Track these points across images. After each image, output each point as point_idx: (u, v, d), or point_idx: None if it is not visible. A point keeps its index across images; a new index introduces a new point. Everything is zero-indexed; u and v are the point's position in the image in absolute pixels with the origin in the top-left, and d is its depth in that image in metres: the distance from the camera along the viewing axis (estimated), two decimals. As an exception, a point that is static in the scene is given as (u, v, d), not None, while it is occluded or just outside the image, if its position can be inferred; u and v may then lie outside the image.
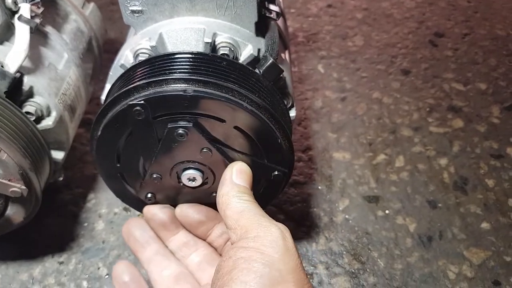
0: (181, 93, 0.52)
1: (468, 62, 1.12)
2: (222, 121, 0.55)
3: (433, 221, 0.81)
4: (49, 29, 0.76)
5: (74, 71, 0.78)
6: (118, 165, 0.60)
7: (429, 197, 0.85)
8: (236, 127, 0.56)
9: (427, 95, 1.04)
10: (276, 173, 0.61)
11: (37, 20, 0.70)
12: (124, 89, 0.54)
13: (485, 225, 0.80)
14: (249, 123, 0.56)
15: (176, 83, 0.53)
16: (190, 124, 0.54)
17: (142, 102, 0.52)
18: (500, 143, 0.94)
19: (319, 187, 0.87)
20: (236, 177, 0.56)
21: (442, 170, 0.89)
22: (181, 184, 0.62)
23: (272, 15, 0.68)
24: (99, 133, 0.56)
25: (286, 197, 0.85)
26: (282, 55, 0.71)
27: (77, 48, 0.82)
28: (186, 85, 0.53)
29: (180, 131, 0.54)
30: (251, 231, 0.49)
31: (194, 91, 0.52)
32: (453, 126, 0.98)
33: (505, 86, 1.06)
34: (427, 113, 1.00)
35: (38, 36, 0.73)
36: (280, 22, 0.78)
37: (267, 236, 0.49)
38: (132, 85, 0.54)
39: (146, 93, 0.53)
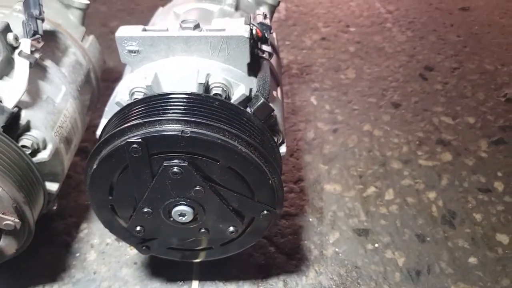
0: (178, 133, 0.54)
1: (457, 96, 1.15)
2: (216, 161, 0.57)
3: (422, 255, 0.82)
4: (48, 63, 0.79)
5: (71, 103, 0.80)
6: (110, 197, 0.62)
7: (418, 231, 0.86)
8: (229, 167, 0.58)
9: (417, 128, 1.06)
10: (265, 212, 0.63)
11: (37, 55, 0.72)
12: (120, 128, 0.56)
13: (472, 259, 0.81)
14: (241, 163, 0.58)
15: (170, 124, 0.55)
16: (185, 163, 0.56)
17: (139, 140, 0.54)
18: (488, 177, 0.96)
19: (310, 219, 0.88)
20: None
21: (431, 203, 0.91)
22: (171, 219, 0.63)
23: (264, 55, 0.71)
24: (94, 166, 0.58)
25: (277, 229, 0.86)
26: (274, 92, 0.74)
27: (75, 80, 0.84)
28: (182, 126, 0.55)
29: (175, 169, 0.56)
30: None
31: (192, 132, 0.54)
32: (442, 159, 1.00)
33: (493, 120, 1.09)
34: (417, 146, 1.02)
35: (37, 70, 0.75)
36: (273, 59, 0.80)
37: None
38: (127, 124, 0.56)
39: (142, 131, 0.55)
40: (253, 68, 0.69)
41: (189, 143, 0.55)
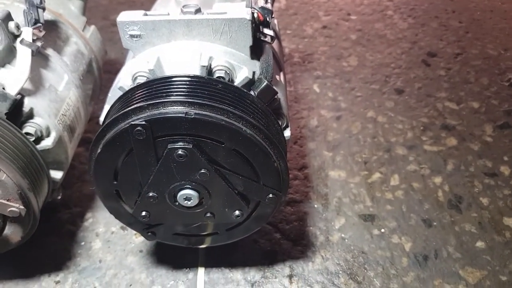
0: (182, 115, 0.54)
1: (461, 81, 1.15)
2: (221, 143, 0.57)
3: (429, 240, 0.82)
4: (50, 51, 0.78)
5: (74, 92, 0.80)
6: (115, 182, 0.61)
7: (424, 216, 0.86)
8: (234, 150, 0.58)
9: (421, 114, 1.06)
10: (270, 195, 0.63)
11: (39, 43, 0.72)
12: (123, 111, 0.56)
13: (480, 244, 0.81)
14: (246, 145, 0.57)
15: (174, 106, 0.55)
16: (190, 146, 0.56)
17: (143, 122, 0.54)
18: (493, 162, 0.95)
19: (315, 206, 0.88)
20: None
21: (437, 188, 0.90)
22: (177, 204, 0.63)
23: (266, 39, 0.70)
24: (98, 150, 0.58)
25: (282, 216, 0.86)
26: (277, 76, 0.73)
27: (77, 69, 0.84)
28: (186, 107, 0.55)
29: (180, 152, 0.56)
30: None
31: (195, 113, 0.54)
32: (447, 144, 0.99)
33: (497, 104, 1.08)
34: (421, 132, 1.02)
35: (39, 58, 0.75)
36: (275, 44, 0.80)
37: None
38: (131, 107, 0.56)
39: (146, 114, 0.54)
40: (256, 51, 0.68)
41: (193, 125, 0.55)
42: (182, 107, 0.55)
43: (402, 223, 0.84)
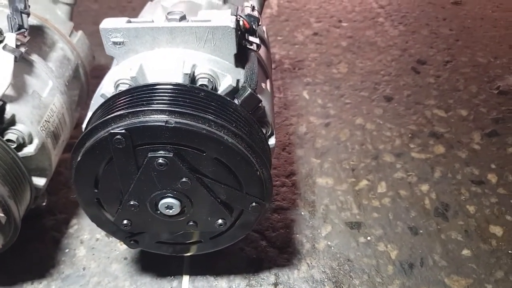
0: (162, 124, 0.54)
1: (450, 89, 1.15)
2: (202, 152, 0.56)
3: (415, 248, 0.82)
4: (34, 57, 0.78)
5: (58, 98, 0.79)
6: (96, 190, 0.61)
7: (411, 224, 0.85)
8: (216, 158, 0.57)
9: (409, 122, 1.06)
10: (254, 204, 0.62)
11: (22, 49, 0.71)
12: (103, 119, 0.55)
13: (466, 252, 0.81)
14: (228, 154, 0.57)
15: (155, 114, 0.54)
16: (171, 154, 0.55)
17: (123, 131, 0.53)
18: (481, 169, 0.95)
19: (302, 213, 0.87)
20: None
21: (424, 196, 0.90)
22: (158, 212, 0.63)
23: (252, 47, 0.70)
24: (78, 158, 0.57)
25: (269, 223, 0.85)
26: (263, 84, 0.73)
27: (63, 75, 0.83)
28: (166, 116, 0.54)
29: (160, 160, 0.55)
30: None
31: (176, 122, 0.53)
32: (434, 152, 0.99)
33: (485, 112, 1.09)
34: (409, 139, 1.02)
35: (23, 64, 0.75)
36: (262, 51, 0.80)
37: None
38: (111, 115, 0.55)
39: (126, 122, 0.54)
40: (241, 59, 0.68)
41: (174, 133, 0.55)
42: (163, 116, 0.55)
43: (389, 231, 0.84)
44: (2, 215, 0.62)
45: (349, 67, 1.21)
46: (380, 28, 1.36)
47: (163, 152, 0.56)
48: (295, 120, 1.07)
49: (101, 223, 0.66)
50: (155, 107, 0.55)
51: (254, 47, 0.70)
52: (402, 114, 1.08)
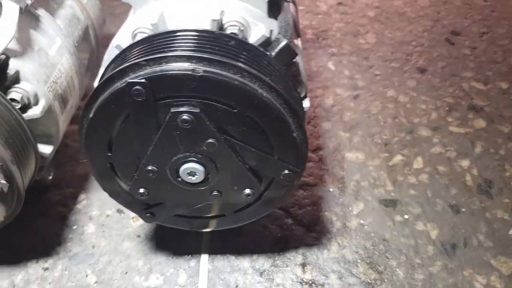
0: (189, 72, 0.46)
1: (487, 61, 1.06)
2: (233, 108, 0.49)
3: (457, 227, 0.74)
4: (41, 12, 0.70)
5: (67, 58, 0.72)
6: (110, 154, 0.54)
7: (451, 201, 0.78)
8: (247, 116, 0.50)
9: (446, 94, 0.97)
10: (286, 171, 0.55)
11: (28, 1, 0.64)
12: (119, 68, 0.48)
13: (513, 232, 0.73)
14: (262, 111, 0.49)
15: (179, 62, 0.47)
16: (197, 110, 0.48)
17: (143, 80, 0.46)
18: (525, 145, 0.87)
19: (331, 189, 0.80)
20: None
21: (464, 172, 0.82)
22: (179, 180, 0.55)
23: (284, -4, 0.62)
24: (90, 115, 0.50)
25: (295, 200, 0.78)
26: (295, 41, 0.65)
27: (72, 35, 0.76)
28: (193, 64, 0.46)
29: (185, 116, 0.48)
30: None
31: (204, 71, 0.46)
32: (474, 126, 0.91)
33: (527, 86, 1.00)
34: (446, 113, 0.93)
35: (29, 18, 0.67)
36: (291, 8, 0.72)
37: None
38: (128, 63, 0.48)
39: (146, 71, 0.46)
40: (273, 10, 0.60)
41: (201, 84, 0.47)
42: (189, 63, 0.47)
43: (427, 209, 0.77)
44: (4, 182, 0.55)
45: (378, 37, 1.12)
46: (409, -2, 1.27)
47: (188, 107, 0.48)
48: (320, 92, 0.99)
49: (114, 193, 0.59)
50: (179, 53, 0.47)
51: (286, -3, 0.63)
52: (438, 86, 0.99)
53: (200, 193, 0.57)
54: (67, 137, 0.85)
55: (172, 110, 0.48)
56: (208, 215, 0.63)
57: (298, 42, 0.68)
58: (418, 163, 0.84)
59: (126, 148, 0.53)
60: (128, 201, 0.59)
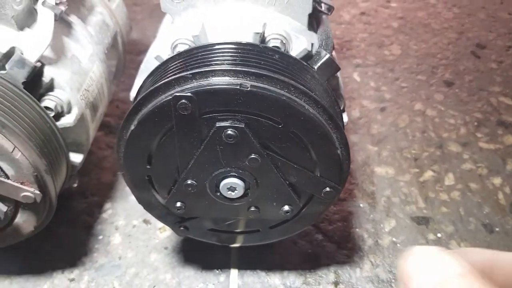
0: (237, 87, 0.44)
1: (515, 76, 1.04)
2: (278, 123, 0.47)
3: (491, 247, 0.72)
4: (73, 19, 0.69)
5: (98, 66, 0.71)
6: (148, 167, 0.52)
7: (485, 220, 0.76)
8: (292, 132, 0.48)
9: (474, 109, 0.96)
10: (327, 189, 0.53)
11: (62, 8, 0.63)
12: (164, 81, 0.47)
13: (550, 254, 0.71)
14: (307, 127, 0.48)
15: (226, 76, 0.45)
16: (242, 125, 0.46)
17: (189, 94, 0.44)
18: (557, 163, 0.85)
19: (361, 205, 0.78)
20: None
21: (497, 190, 0.80)
22: (218, 194, 0.54)
23: (323, 9, 0.61)
24: (132, 127, 0.49)
25: (324, 215, 0.76)
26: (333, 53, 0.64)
27: (102, 42, 0.75)
28: (240, 78, 0.45)
29: (230, 131, 0.46)
30: None
31: (252, 86, 0.44)
32: (504, 142, 0.89)
33: (556, 102, 0.98)
34: (475, 128, 0.92)
35: (62, 25, 0.66)
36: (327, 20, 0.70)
37: None
38: (173, 76, 0.47)
39: (193, 84, 0.45)
40: (312, 23, 0.59)
41: (248, 99, 0.46)
42: (236, 78, 0.46)
43: (460, 228, 0.75)
44: (38, 192, 0.54)
45: (403, 48, 1.11)
46: (433, 9, 1.25)
47: (233, 122, 0.47)
48: (346, 103, 0.97)
49: (149, 205, 0.57)
50: (225, 67, 0.46)
51: (325, 9, 0.61)
52: (465, 100, 0.98)
53: (238, 208, 0.56)
54: (92, 144, 0.84)
55: (217, 124, 0.47)
56: (242, 230, 0.61)
57: (334, 55, 0.66)
58: (449, 179, 0.82)
59: (165, 161, 0.52)
60: (163, 214, 0.58)
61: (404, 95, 0.99)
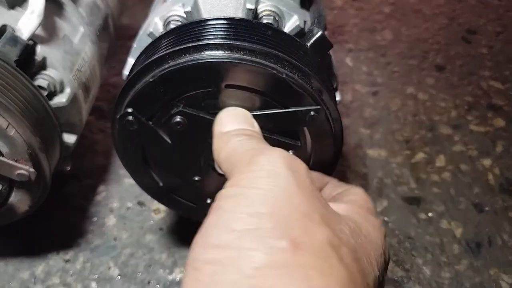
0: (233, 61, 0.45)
1: (505, 60, 1.06)
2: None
3: (481, 226, 0.73)
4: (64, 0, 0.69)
5: (90, 47, 0.70)
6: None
7: (475, 200, 0.77)
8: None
9: (465, 93, 0.97)
10: (312, 113, 0.49)
11: (53, -13, 0.62)
12: (158, 55, 0.47)
13: (537, 231, 0.73)
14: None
15: (220, 49, 0.46)
16: None
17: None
18: (546, 145, 0.87)
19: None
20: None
21: (486, 171, 0.82)
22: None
23: (316, -12, 0.61)
24: (126, 103, 0.49)
25: (317, 196, 0.77)
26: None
27: (94, 23, 0.74)
28: (231, 53, 0.45)
29: None
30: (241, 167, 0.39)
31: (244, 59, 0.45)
32: (494, 125, 0.90)
33: (545, 86, 1.00)
34: (466, 111, 0.93)
35: (53, 5, 0.66)
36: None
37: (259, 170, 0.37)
38: (167, 51, 0.47)
39: (185, 59, 0.45)
40: (305, 1, 0.60)
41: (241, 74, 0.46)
42: (229, 52, 0.46)
43: (451, 208, 0.76)
44: (32, 170, 0.54)
45: (394, 34, 1.12)
46: (424, -5, 1.26)
47: None
48: (338, 87, 0.97)
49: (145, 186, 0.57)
50: (219, 41, 0.46)
51: (318, -12, 0.61)
52: (456, 84, 0.99)
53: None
54: (85, 128, 0.83)
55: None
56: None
57: (326, 33, 0.67)
58: (440, 161, 0.83)
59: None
60: (158, 193, 0.58)
61: (396, 79, 1.00)
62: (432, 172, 0.81)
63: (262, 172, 0.36)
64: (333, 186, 0.49)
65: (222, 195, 0.36)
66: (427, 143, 0.86)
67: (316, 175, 0.49)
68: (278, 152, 0.39)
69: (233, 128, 0.45)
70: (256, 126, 0.47)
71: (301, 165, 0.39)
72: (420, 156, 0.84)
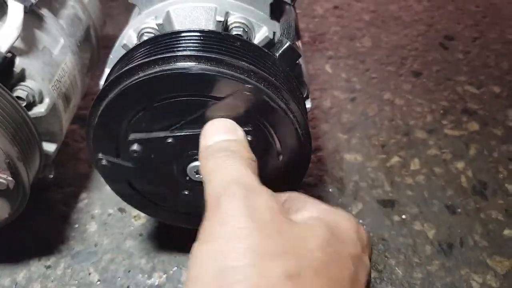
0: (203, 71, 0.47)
1: (480, 65, 1.09)
2: None
3: (453, 227, 0.76)
4: (44, 12, 0.71)
5: (70, 58, 0.72)
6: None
7: (448, 202, 0.79)
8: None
9: (440, 98, 1.00)
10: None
11: (32, 0, 0.64)
12: (128, 67, 0.49)
13: (507, 232, 0.75)
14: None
15: (188, 60, 0.48)
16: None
17: None
18: (518, 148, 0.89)
19: (330, 190, 0.81)
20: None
21: (460, 174, 0.84)
22: (187, 179, 0.56)
23: (286, 0, 0.64)
24: (99, 112, 0.51)
25: (295, 200, 0.79)
26: (297, 43, 0.66)
27: (74, 34, 0.76)
28: (199, 63, 0.48)
29: None
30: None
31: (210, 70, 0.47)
32: (468, 129, 0.93)
33: (519, 90, 1.03)
34: (441, 116, 0.96)
35: (33, 18, 0.68)
36: (292, 12, 0.73)
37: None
38: (137, 62, 0.49)
39: (155, 70, 0.47)
40: (275, 12, 0.62)
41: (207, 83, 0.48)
42: (197, 63, 0.48)
43: (425, 210, 0.78)
44: (11, 178, 0.56)
45: (374, 41, 1.15)
46: (404, 3, 1.29)
47: None
48: (318, 94, 1.00)
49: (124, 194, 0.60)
50: (189, 53, 0.48)
51: (288, 0, 0.64)
52: (432, 89, 1.02)
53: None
54: (68, 137, 0.85)
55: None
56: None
57: (299, 44, 0.69)
58: (415, 164, 0.86)
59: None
60: (137, 200, 0.60)
61: (374, 85, 1.02)
62: (406, 175, 0.84)
63: (223, 223, 0.38)
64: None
65: (193, 251, 0.39)
66: (402, 147, 0.88)
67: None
68: (238, 195, 0.39)
69: (216, 140, 0.47)
70: (239, 134, 0.49)
71: (261, 199, 0.40)
72: (395, 160, 0.86)
